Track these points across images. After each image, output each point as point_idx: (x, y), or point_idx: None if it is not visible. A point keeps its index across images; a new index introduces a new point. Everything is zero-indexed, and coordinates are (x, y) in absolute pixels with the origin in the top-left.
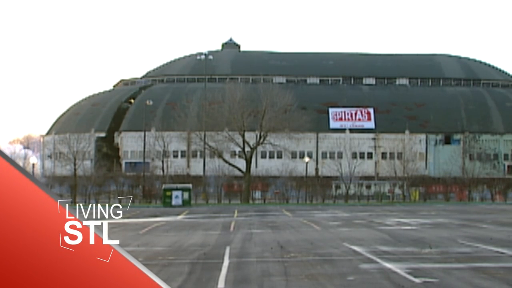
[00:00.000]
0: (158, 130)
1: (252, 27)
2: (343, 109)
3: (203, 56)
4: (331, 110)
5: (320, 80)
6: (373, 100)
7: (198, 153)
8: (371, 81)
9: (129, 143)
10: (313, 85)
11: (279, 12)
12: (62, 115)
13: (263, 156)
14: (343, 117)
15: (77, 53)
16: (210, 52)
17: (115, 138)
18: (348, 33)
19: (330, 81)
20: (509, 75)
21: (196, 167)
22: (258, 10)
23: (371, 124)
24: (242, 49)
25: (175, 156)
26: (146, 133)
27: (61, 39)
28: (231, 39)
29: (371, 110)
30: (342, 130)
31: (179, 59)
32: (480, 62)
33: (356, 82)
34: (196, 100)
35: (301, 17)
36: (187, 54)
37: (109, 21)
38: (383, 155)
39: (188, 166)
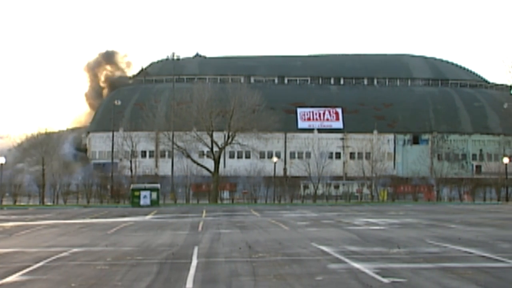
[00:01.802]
0: (126, 130)
1: (218, 43)
2: (311, 109)
3: (170, 54)
4: (299, 110)
5: (288, 80)
6: (341, 100)
7: (167, 153)
8: (339, 81)
9: (97, 144)
10: (281, 86)
11: (242, 25)
12: None
13: (231, 156)
14: (311, 117)
15: (49, 54)
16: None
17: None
18: (315, 36)
19: (298, 81)
20: (477, 75)
21: (165, 167)
22: (223, 26)
23: (339, 124)
24: None
25: (143, 156)
26: (114, 133)
27: (23, 41)
28: (197, 54)
29: (339, 110)
30: (310, 130)
31: (150, 64)
32: (447, 62)
33: (324, 82)
34: (164, 100)
35: (267, 25)
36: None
37: (81, 25)
38: (351, 155)
39: (157, 166)
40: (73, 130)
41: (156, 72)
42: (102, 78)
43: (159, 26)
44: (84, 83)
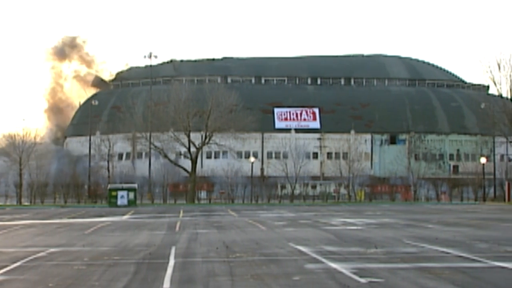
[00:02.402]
0: (103, 133)
1: (194, 46)
2: (288, 109)
3: (147, 54)
4: (276, 110)
5: (265, 81)
6: (318, 100)
7: (144, 154)
8: (316, 81)
9: (75, 147)
10: (258, 86)
11: (219, 28)
12: None
13: (209, 156)
14: (288, 117)
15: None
16: None
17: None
18: (292, 38)
19: (275, 81)
20: (454, 75)
21: (142, 168)
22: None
23: (316, 124)
24: None
25: (121, 156)
26: (92, 135)
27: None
28: (172, 60)
29: (316, 110)
30: (287, 130)
31: (127, 69)
32: (424, 62)
33: (301, 82)
34: (141, 102)
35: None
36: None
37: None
38: (329, 155)
39: (134, 166)
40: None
41: (133, 76)
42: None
43: (134, 30)
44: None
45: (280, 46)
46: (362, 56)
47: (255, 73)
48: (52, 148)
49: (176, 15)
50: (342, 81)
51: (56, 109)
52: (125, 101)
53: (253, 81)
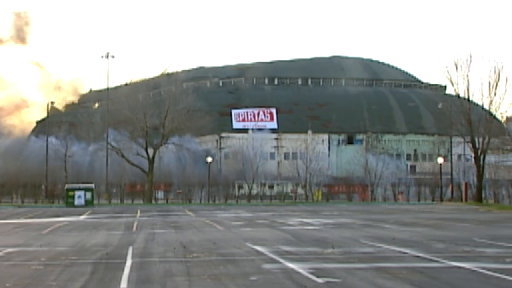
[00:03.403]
0: (62, 133)
1: (150, 48)
2: (245, 110)
3: (105, 53)
4: (233, 111)
5: (223, 83)
6: (275, 100)
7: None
8: (273, 81)
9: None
10: (215, 87)
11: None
12: None
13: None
14: (246, 118)
15: None
16: None
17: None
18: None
19: (232, 82)
20: (410, 75)
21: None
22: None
23: (273, 125)
24: None
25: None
26: (50, 137)
27: None
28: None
29: (274, 111)
30: (245, 131)
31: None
32: (378, 62)
33: (258, 83)
34: (100, 105)
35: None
36: None
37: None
38: (286, 155)
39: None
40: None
41: (92, 97)
42: None
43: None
44: None
45: (239, 50)
46: (319, 58)
47: (212, 74)
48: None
49: (137, 18)
50: (300, 81)
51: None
52: (83, 101)
53: (209, 82)
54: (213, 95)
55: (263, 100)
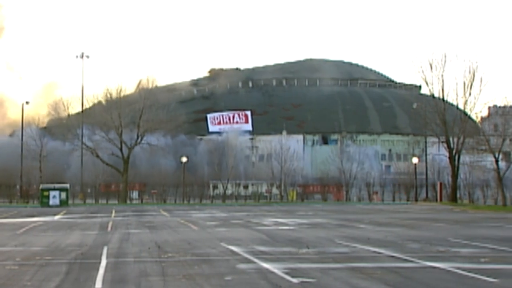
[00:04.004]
0: (36, 132)
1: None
2: (220, 113)
3: (80, 53)
4: (209, 115)
5: (197, 90)
6: (250, 103)
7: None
8: (248, 84)
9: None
10: (190, 92)
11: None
12: None
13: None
14: (221, 121)
15: None
16: None
17: None
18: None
19: (206, 90)
20: (384, 76)
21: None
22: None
23: (248, 126)
24: None
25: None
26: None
27: None
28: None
29: (248, 113)
30: (220, 134)
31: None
32: (352, 63)
33: (232, 86)
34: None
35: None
36: None
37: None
38: (261, 157)
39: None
40: None
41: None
42: None
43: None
44: None
45: (215, 56)
46: (294, 62)
47: (187, 78)
48: None
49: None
50: (274, 82)
51: None
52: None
53: (184, 87)
54: (188, 103)
55: (238, 103)
